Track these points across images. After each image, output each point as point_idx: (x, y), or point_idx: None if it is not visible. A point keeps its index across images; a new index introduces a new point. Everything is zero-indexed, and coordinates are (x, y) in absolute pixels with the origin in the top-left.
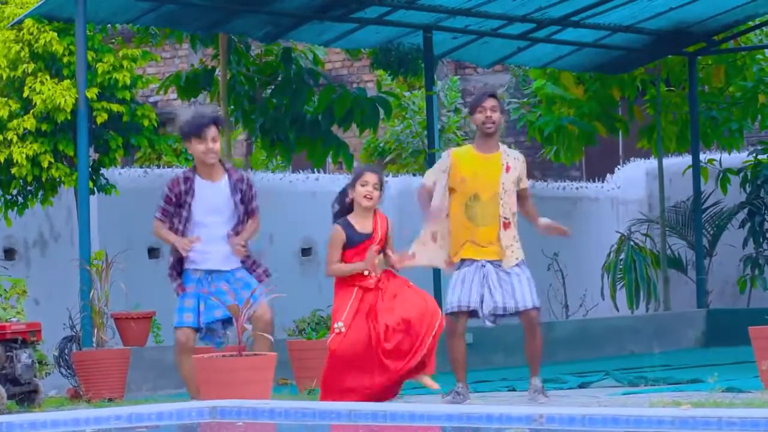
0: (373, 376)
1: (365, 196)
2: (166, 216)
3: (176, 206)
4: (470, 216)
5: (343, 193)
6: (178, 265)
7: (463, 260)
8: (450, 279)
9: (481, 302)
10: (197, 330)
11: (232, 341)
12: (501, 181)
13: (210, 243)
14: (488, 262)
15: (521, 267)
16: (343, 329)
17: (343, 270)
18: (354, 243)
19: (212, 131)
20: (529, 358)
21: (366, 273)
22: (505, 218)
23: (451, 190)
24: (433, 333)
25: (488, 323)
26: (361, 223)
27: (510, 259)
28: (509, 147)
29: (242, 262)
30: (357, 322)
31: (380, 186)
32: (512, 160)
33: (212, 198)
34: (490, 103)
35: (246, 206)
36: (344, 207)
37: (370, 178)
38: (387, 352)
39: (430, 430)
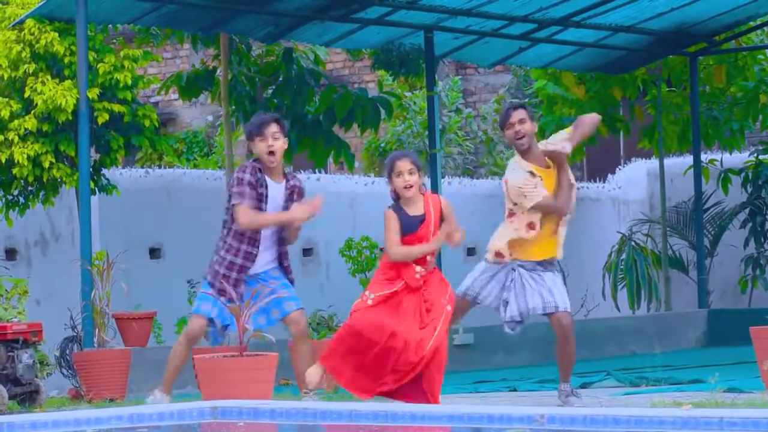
0: (369, 376)
1: (405, 188)
2: (251, 199)
3: (255, 194)
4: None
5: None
6: (240, 274)
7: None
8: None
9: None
10: (211, 321)
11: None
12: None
13: (262, 248)
14: (522, 266)
15: (552, 270)
16: (370, 302)
17: (414, 252)
18: (411, 228)
19: (272, 128)
20: (558, 363)
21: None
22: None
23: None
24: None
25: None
26: (411, 208)
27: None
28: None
29: (279, 261)
30: (383, 311)
31: (417, 169)
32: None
33: (277, 198)
34: (517, 116)
35: None
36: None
37: (403, 166)
38: (394, 368)
39: (431, 431)
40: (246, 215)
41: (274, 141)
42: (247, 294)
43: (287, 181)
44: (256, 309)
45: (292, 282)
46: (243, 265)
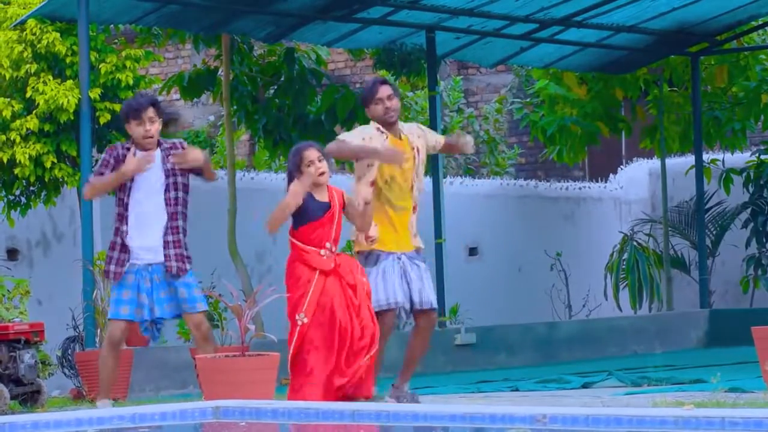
0: (329, 374)
1: (319, 174)
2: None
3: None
4: (387, 199)
5: (291, 179)
6: (121, 250)
7: (379, 253)
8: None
9: (403, 294)
10: (138, 322)
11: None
12: (416, 164)
13: (148, 229)
14: (403, 254)
15: (423, 260)
16: (305, 320)
17: (279, 213)
18: (315, 215)
19: (149, 112)
20: (409, 360)
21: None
22: (415, 203)
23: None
24: (370, 354)
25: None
26: (318, 195)
27: (418, 242)
28: (414, 125)
29: (174, 248)
30: (319, 314)
31: (324, 156)
32: (417, 139)
33: (152, 168)
34: (385, 91)
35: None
36: None
37: (312, 155)
38: (347, 356)
39: (432, 431)
40: (86, 188)
41: (151, 125)
42: (143, 285)
43: (160, 146)
44: (252, 308)
45: (183, 270)
46: (122, 243)
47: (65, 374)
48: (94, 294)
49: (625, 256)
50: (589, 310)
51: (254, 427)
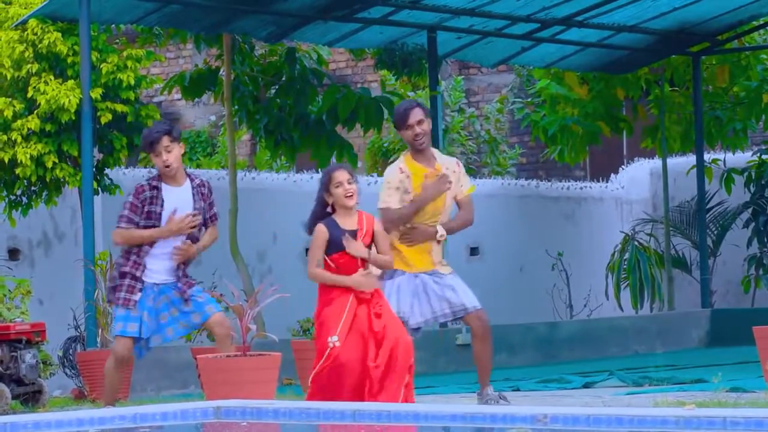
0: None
1: (347, 196)
2: (132, 225)
3: (143, 215)
4: (409, 232)
5: (320, 202)
6: (132, 278)
7: (395, 270)
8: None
9: (411, 309)
10: (137, 340)
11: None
12: (445, 198)
13: (165, 259)
14: (420, 273)
15: (454, 274)
16: (337, 344)
17: (326, 278)
18: (341, 243)
19: (164, 142)
20: (480, 366)
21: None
22: (441, 235)
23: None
24: (408, 367)
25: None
26: (346, 222)
27: (445, 269)
28: (442, 152)
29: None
30: (351, 340)
31: (355, 180)
32: (451, 174)
33: (178, 201)
34: (415, 117)
35: (205, 213)
36: (325, 215)
37: (341, 176)
38: (372, 384)
39: (432, 431)
40: (118, 235)
41: (168, 154)
42: (146, 303)
43: (191, 181)
44: (254, 307)
45: (188, 284)
46: (133, 273)
47: (66, 374)
48: (96, 294)
49: (627, 255)
50: (591, 309)
51: (255, 427)
